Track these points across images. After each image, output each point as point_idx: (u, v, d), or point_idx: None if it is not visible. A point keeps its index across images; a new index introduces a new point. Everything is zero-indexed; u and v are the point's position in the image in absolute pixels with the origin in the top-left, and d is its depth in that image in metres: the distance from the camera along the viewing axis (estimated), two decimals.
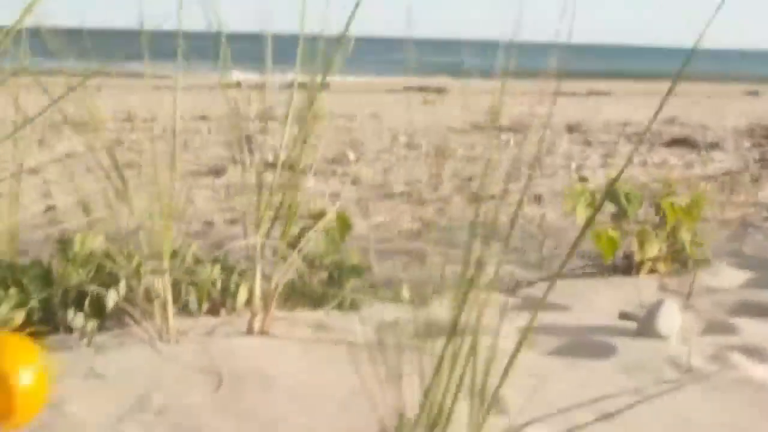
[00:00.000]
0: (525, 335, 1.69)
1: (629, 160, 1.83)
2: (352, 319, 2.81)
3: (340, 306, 2.96)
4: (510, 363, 1.66)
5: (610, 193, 3.62)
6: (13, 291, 2.27)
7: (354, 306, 2.98)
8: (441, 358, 1.67)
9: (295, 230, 2.80)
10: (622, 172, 1.87)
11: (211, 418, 2.01)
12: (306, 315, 2.82)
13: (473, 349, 1.72)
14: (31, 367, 1.30)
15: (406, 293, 3.24)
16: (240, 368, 2.27)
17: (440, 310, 2.93)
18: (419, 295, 3.28)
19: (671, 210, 3.53)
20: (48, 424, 1.96)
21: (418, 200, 5.92)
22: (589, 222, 3.76)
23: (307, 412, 2.03)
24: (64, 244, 2.80)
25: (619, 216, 3.60)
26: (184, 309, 2.80)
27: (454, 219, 5.24)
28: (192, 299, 2.82)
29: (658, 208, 3.62)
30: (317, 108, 2.68)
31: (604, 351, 2.43)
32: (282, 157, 2.64)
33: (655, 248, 3.50)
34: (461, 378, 1.65)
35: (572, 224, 4.61)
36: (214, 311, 2.85)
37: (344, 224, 3.30)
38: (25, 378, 1.29)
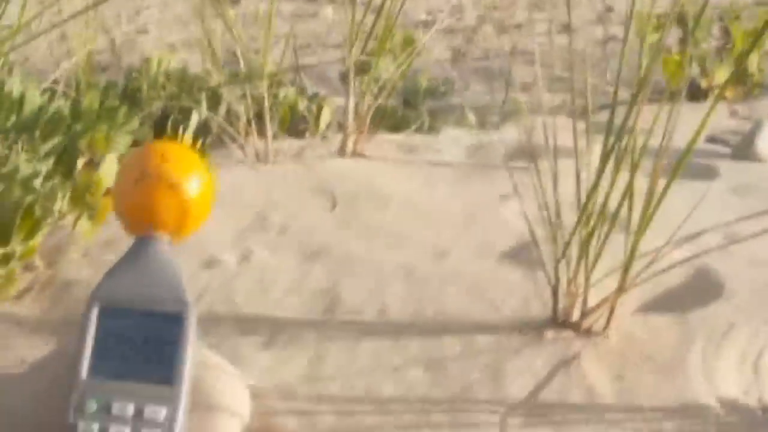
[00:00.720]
0: (680, 163, 1.66)
1: None
2: (437, 141, 2.79)
3: (419, 129, 2.94)
4: (667, 185, 1.64)
5: (678, 16, 3.55)
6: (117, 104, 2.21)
7: (433, 129, 2.95)
8: (597, 178, 1.65)
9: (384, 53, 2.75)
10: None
11: (336, 236, 2.01)
12: (389, 138, 2.80)
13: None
14: (198, 175, 1.26)
15: (472, 118, 3.22)
16: (350, 187, 2.26)
17: (515, 133, 2.90)
18: (485, 119, 3.26)
19: (740, 34, 3.47)
20: None
21: (445, 29, 5.82)
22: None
23: (431, 228, 2.03)
24: (144, 64, 2.75)
25: (686, 41, 3.53)
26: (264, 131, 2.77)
27: (485, 48, 5.15)
28: (274, 121, 2.78)
29: (725, 33, 3.56)
30: None
31: (707, 173, 2.42)
32: None
33: (723, 74, 3.46)
34: (621, 201, 1.64)
35: (612, 52, 4.54)
36: (296, 134, 2.81)
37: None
38: (194, 186, 1.25)
